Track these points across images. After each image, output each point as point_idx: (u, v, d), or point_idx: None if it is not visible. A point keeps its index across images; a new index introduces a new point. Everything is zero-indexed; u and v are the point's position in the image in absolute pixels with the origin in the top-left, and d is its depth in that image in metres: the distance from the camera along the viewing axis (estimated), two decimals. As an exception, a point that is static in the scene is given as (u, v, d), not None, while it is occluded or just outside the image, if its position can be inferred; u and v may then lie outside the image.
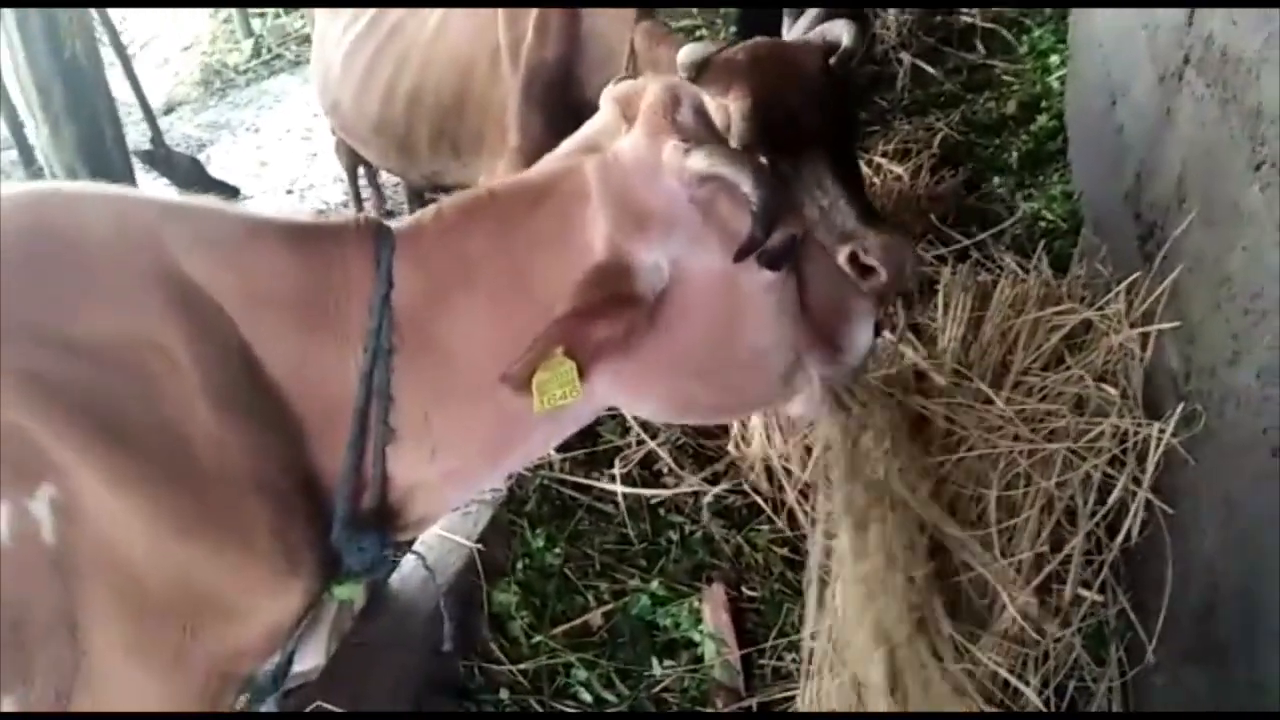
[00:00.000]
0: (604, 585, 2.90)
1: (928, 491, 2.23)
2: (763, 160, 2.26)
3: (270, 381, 1.51)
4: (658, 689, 2.64)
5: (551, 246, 1.62)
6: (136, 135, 4.97)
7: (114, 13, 5.13)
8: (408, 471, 1.64)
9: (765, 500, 2.91)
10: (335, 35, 3.77)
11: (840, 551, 2.20)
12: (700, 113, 1.73)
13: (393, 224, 1.67)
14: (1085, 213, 3.70)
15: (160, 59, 7.63)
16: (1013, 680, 2.03)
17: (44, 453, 1.31)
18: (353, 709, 2.31)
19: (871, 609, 2.11)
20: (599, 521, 3.09)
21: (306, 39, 7.53)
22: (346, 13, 3.77)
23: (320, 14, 4.02)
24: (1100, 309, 2.52)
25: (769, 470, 2.84)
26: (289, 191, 5.81)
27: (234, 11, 7.86)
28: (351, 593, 1.63)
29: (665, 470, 3.10)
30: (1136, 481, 2.19)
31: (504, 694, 2.66)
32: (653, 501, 3.05)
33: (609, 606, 2.84)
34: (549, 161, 1.76)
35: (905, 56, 5.18)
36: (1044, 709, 2.10)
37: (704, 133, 1.70)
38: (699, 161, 1.57)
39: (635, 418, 3.03)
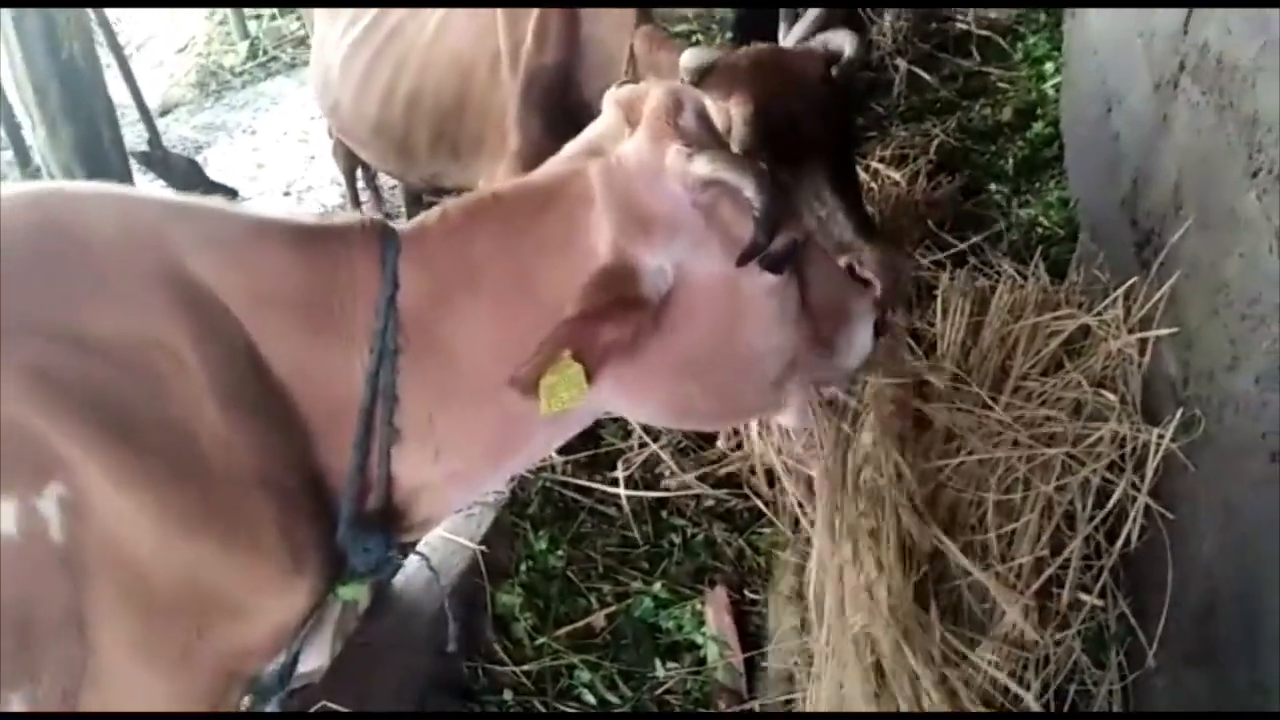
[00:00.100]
0: (607, 587, 2.91)
1: (926, 496, 2.24)
2: (764, 166, 2.27)
3: (276, 381, 1.52)
4: (661, 691, 2.65)
5: (556, 250, 1.63)
6: (133, 137, 4.96)
7: (110, 13, 5.11)
8: (412, 472, 1.65)
9: (766, 504, 2.92)
10: (334, 37, 3.78)
11: (824, 556, 2.22)
12: (703, 117, 1.75)
13: (397, 226, 1.68)
14: (1082, 219, 3.72)
15: (156, 60, 7.61)
16: (1012, 685, 2.04)
17: (52, 450, 1.32)
18: (357, 709, 2.32)
19: (858, 614, 2.13)
20: (601, 524, 3.11)
21: (302, 41, 7.55)
22: (345, 15, 3.77)
23: (319, 16, 4.01)
24: (1099, 314, 2.53)
25: (769, 473, 2.84)
26: (286, 194, 5.81)
27: (230, 14, 7.85)
28: (356, 593, 1.63)
29: (667, 473, 3.11)
30: (1135, 486, 2.20)
31: (508, 695, 2.67)
32: (654, 505, 3.06)
33: (612, 609, 2.85)
34: (553, 165, 1.77)
35: (901, 63, 5.20)
36: (1043, 711, 2.11)
37: (707, 137, 1.71)
38: (702, 166, 1.58)
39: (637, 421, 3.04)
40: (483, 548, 2.85)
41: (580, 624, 2.82)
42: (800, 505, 2.46)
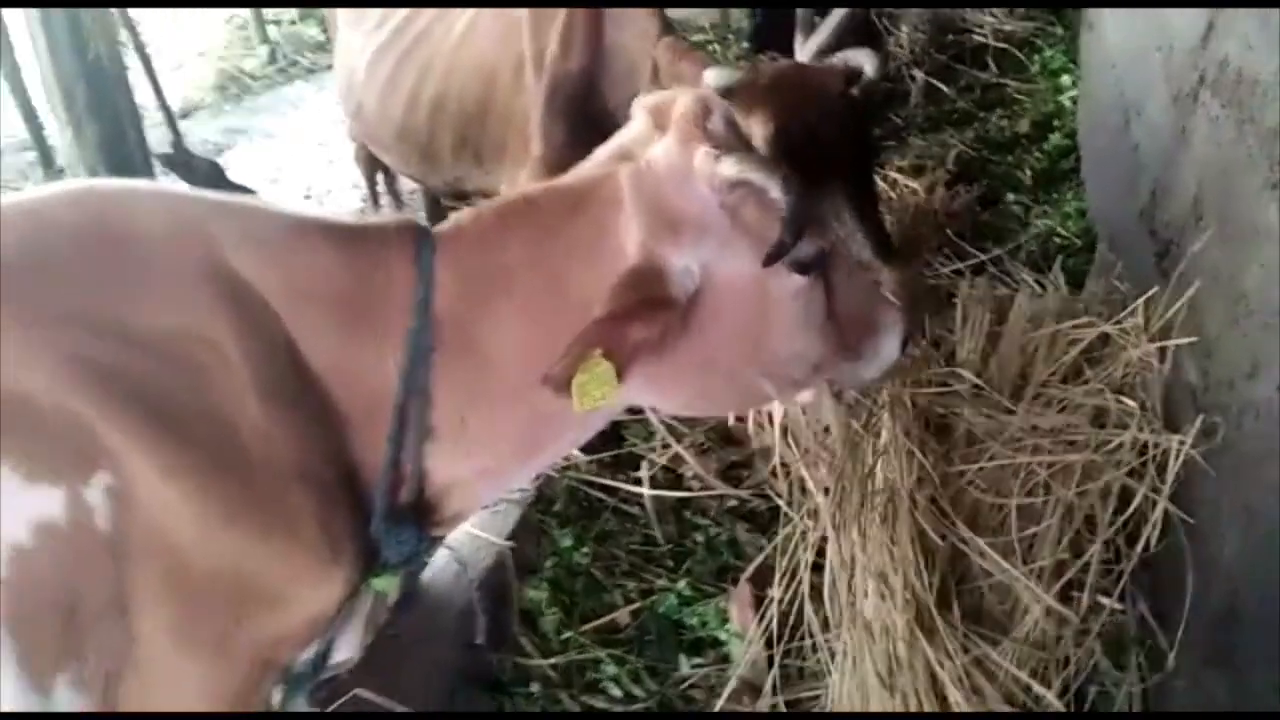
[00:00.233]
0: (631, 584, 2.94)
1: (948, 498, 2.26)
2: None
3: (314, 376, 1.54)
4: (685, 686, 2.68)
5: (587, 251, 1.65)
6: (154, 139, 5.00)
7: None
8: (444, 468, 1.68)
9: (787, 503, 2.94)
10: (359, 41, 3.80)
11: (844, 555, 2.24)
12: (731, 122, 1.77)
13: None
14: (1099, 230, 3.74)
15: (175, 63, 7.66)
16: (1034, 685, 2.05)
17: (100, 440, 1.34)
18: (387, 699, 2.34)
19: (874, 611, 2.14)
20: (625, 523, 3.14)
21: (322, 46, 7.59)
22: (371, 19, 3.80)
23: (342, 20, 4.04)
24: (1118, 323, 2.55)
25: (788, 471, 2.86)
26: (306, 197, 5.84)
27: (249, 18, 7.91)
28: (388, 585, 1.66)
29: (690, 474, 3.13)
30: (1155, 491, 2.22)
31: (535, 687, 2.69)
32: (677, 505, 3.08)
33: (636, 605, 2.88)
34: (584, 169, 1.80)
35: (918, 74, 5.24)
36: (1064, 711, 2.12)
37: (735, 141, 1.74)
38: (730, 167, 1.60)
39: (661, 421, 3.07)
40: (510, 544, 2.87)
41: (605, 619, 2.84)
42: (817, 504, 2.48)
